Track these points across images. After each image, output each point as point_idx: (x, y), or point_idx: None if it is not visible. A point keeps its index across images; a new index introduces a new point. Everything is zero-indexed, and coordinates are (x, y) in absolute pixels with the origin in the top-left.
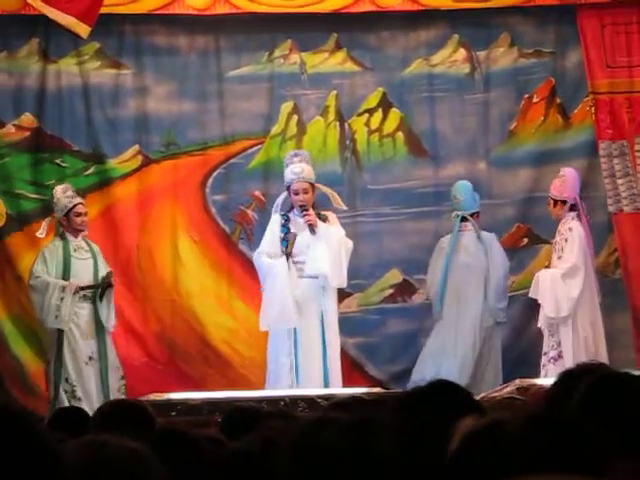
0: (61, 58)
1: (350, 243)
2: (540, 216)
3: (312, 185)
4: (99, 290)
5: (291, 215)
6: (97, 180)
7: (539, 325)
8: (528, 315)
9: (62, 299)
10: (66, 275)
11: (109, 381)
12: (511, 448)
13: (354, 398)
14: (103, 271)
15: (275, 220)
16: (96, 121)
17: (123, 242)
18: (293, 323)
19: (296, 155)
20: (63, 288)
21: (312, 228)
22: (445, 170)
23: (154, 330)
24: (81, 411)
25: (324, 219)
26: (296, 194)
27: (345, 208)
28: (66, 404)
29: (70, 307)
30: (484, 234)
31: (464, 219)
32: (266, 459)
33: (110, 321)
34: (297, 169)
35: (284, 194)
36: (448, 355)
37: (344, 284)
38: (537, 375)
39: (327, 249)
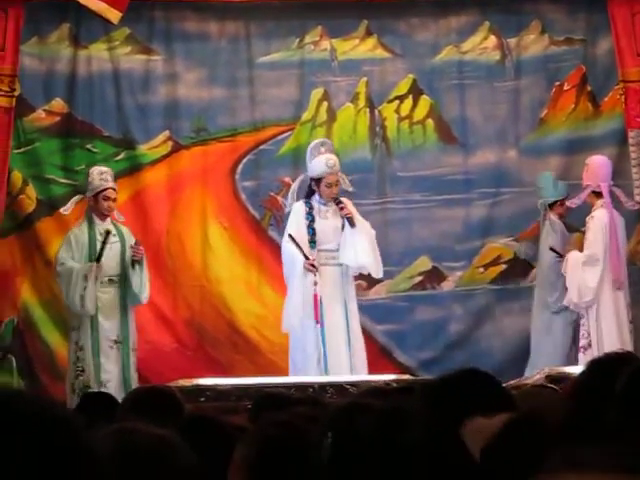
0: (92, 43)
1: (373, 232)
2: None
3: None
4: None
5: (313, 202)
6: (127, 165)
7: (564, 303)
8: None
9: (85, 288)
10: (92, 259)
11: (129, 363)
12: (548, 443)
13: (384, 385)
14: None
15: (299, 207)
16: (126, 107)
17: (153, 227)
18: (312, 320)
19: (323, 144)
20: (85, 276)
21: (351, 221)
22: (475, 157)
23: (183, 316)
24: (108, 397)
25: (339, 204)
26: (329, 187)
27: (350, 189)
28: (89, 388)
29: (94, 294)
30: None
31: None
32: (298, 443)
33: (143, 292)
34: (331, 162)
35: (298, 181)
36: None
37: (381, 274)
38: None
39: (368, 242)
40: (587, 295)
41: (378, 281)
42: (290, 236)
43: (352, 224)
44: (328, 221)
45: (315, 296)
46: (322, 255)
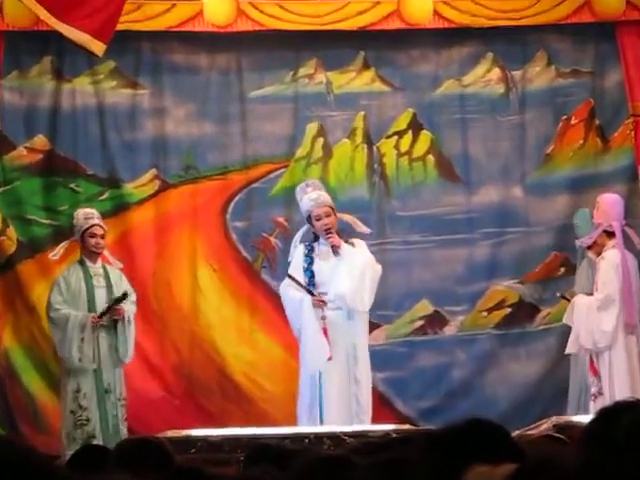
0: (75, 77)
1: (378, 267)
2: None
3: (333, 209)
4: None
5: (315, 245)
6: (112, 205)
7: (567, 351)
8: (564, 348)
9: (82, 339)
10: (91, 306)
11: (119, 413)
12: None
13: (381, 437)
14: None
15: (299, 250)
16: (112, 143)
17: (139, 270)
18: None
19: (307, 185)
20: (83, 327)
21: (335, 250)
22: (477, 196)
23: (171, 363)
24: (102, 449)
25: (329, 234)
26: (318, 219)
27: (369, 231)
28: (93, 439)
29: (92, 346)
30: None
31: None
32: None
33: (127, 353)
34: (313, 195)
35: (303, 228)
36: None
37: (363, 308)
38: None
39: (348, 270)
40: (602, 340)
41: (377, 326)
42: (290, 276)
43: (335, 252)
44: (329, 262)
45: (324, 330)
46: (322, 298)
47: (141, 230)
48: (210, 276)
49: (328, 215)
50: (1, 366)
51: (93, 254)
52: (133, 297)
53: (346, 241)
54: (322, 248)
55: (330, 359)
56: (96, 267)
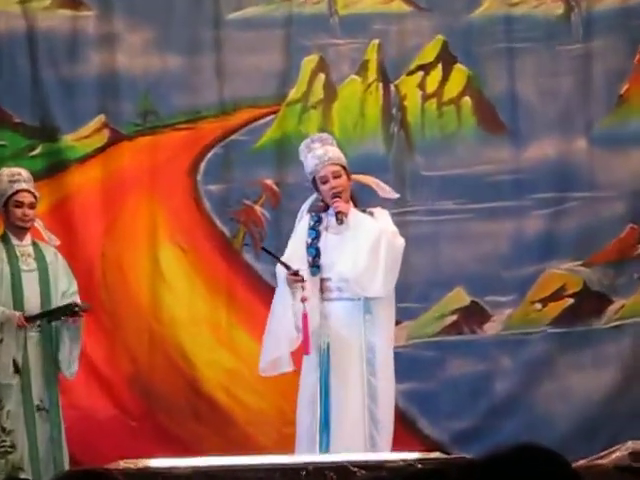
0: None
1: (400, 241)
2: None
3: (345, 169)
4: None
5: (323, 216)
6: (47, 163)
7: None
8: None
9: (1, 341)
10: (17, 295)
11: (61, 438)
12: None
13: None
14: (61, 286)
15: (303, 222)
16: (46, 82)
17: (83, 249)
18: (287, 367)
19: (313, 141)
20: (1, 325)
21: (340, 217)
22: (529, 151)
23: (125, 372)
24: None
25: (335, 199)
26: (325, 182)
27: (397, 196)
28: (21, 471)
29: (16, 351)
30: None
31: None
32: None
33: (72, 366)
34: (319, 151)
35: (313, 196)
36: None
37: (375, 293)
38: None
39: (354, 244)
40: None
41: (396, 323)
42: (263, 249)
43: (339, 220)
44: (340, 237)
45: (304, 316)
46: (329, 286)
47: (85, 196)
48: (176, 258)
49: (337, 176)
50: None
51: (20, 229)
52: (73, 287)
53: (363, 210)
54: (332, 220)
55: (307, 354)
56: (24, 245)
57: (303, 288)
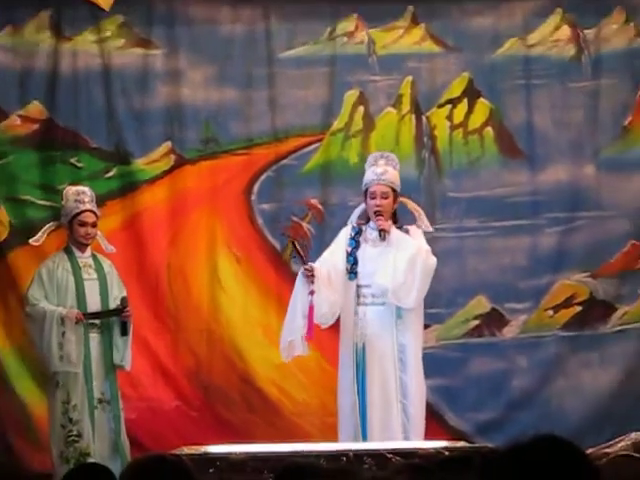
0: (77, 35)
1: (433, 260)
2: None
3: (395, 192)
4: (110, 319)
5: (364, 228)
6: (119, 184)
7: None
8: None
9: (63, 334)
10: (81, 302)
11: (120, 428)
12: None
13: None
14: (114, 293)
15: (344, 231)
16: (119, 112)
17: (150, 260)
18: (301, 350)
19: (382, 157)
20: (62, 320)
21: (383, 234)
22: (544, 174)
23: (187, 368)
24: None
25: (378, 217)
26: (373, 197)
27: (431, 230)
28: (88, 457)
29: (77, 343)
30: None
31: None
32: None
33: (126, 359)
34: (379, 169)
35: (360, 207)
36: None
37: (409, 305)
38: None
39: (395, 260)
40: None
41: (425, 326)
42: (293, 243)
43: (382, 237)
44: (376, 250)
45: (311, 307)
46: (364, 292)
47: (153, 213)
48: (232, 267)
49: (385, 197)
50: None
51: (79, 244)
52: (123, 293)
53: (400, 227)
54: (371, 233)
55: (310, 339)
56: (85, 257)
57: (312, 282)
